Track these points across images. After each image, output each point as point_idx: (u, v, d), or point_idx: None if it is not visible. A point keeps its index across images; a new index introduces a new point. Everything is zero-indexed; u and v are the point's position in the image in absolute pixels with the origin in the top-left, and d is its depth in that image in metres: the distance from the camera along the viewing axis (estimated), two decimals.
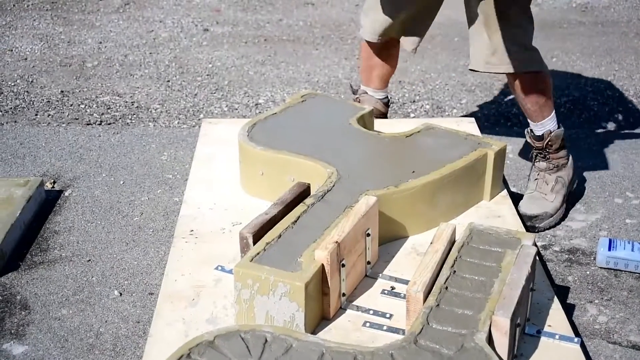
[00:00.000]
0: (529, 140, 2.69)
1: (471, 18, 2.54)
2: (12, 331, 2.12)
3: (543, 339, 1.87)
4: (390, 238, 2.26)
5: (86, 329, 2.13)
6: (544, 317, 1.95)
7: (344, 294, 1.98)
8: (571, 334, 1.89)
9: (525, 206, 2.64)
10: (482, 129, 2.94)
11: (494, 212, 2.43)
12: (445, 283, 1.81)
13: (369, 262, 2.11)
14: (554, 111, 2.64)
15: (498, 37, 2.48)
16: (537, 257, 2.21)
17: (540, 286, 2.07)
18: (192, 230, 2.32)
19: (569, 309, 2.23)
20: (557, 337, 1.87)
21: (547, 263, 2.45)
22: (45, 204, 2.76)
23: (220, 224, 2.36)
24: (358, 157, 2.42)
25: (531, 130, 2.67)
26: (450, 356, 1.59)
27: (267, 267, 1.83)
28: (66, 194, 2.83)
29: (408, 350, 1.60)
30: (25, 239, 2.55)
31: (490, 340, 1.69)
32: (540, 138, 2.64)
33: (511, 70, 2.52)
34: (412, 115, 3.64)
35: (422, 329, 1.67)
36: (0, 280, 2.34)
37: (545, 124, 2.62)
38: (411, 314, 1.80)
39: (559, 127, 2.65)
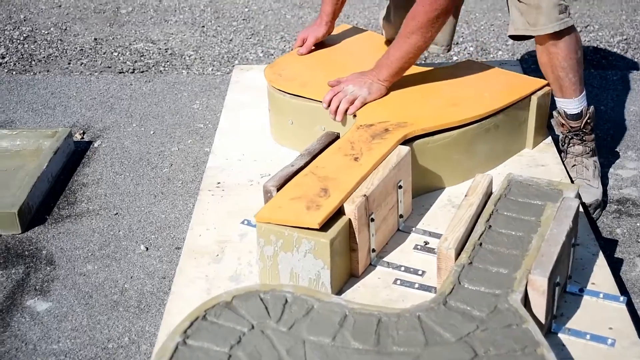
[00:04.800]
0: (560, 122, 2.36)
1: None
2: (37, 287, 2.08)
3: (586, 297, 1.75)
4: (425, 190, 2.15)
5: (111, 285, 2.08)
6: (588, 274, 1.83)
7: (373, 250, 1.88)
8: (616, 292, 1.77)
9: None
10: (528, 73, 2.77)
11: (537, 161, 2.29)
12: (479, 239, 1.70)
13: (401, 216, 2.00)
14: None
15: None
16: (582, 210, 2.09)
17: (585, 240, 1.94)
18: (219, 183, 2.24)
19: (616, 264, 2.10)
20: (601, 295, 1.75)
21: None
22: (74, 155, 2.70)
23: (248, 175, 2.28)
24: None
25: (563, 110, 2.34)
26: (482, 318, 1.49)
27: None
28: (95, 145, 2.77)
29: (437, 312, 1.50)
30: (52, 191, 2.50)
31: (526, 301, 1.58)
32: (579, 116, 2.32)
33: (562, 27, 2.19)
34: (454, 57, 3.47)
35: (452, 288, 1.56)
36: (26, 234, 2.30)
37: (582, 100, 2.32)
38: (442, 272, 1.69)
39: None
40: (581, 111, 2.34)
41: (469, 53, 3.52)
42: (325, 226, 1.74)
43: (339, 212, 1.79)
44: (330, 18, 2.54)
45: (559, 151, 2.39)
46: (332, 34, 2.63)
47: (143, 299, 2.03)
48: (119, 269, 2.14)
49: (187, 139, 2.79)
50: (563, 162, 2.36)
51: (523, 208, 1.80)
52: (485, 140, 2.19)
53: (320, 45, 2.57)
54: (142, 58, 3.54)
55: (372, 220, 1.84)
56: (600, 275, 1.83)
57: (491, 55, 3.49)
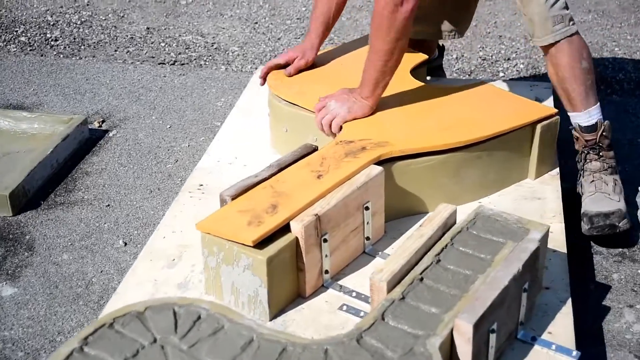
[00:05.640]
0: (575, 136, 2.25)
1: None
2: (10, 272, 2.11)
3: (536, 347, 1.63)
4: (406, 213, 2.05)
5: (79, 278, 2.09)
6: (548, 321, 1.70)
7: (327, 271, 1.81)
8: (572, 345, 1.63)
9: (592, 206, 2.16)
10: None
11: (535, 193, 2.15)
12: (421, 273, 1.60)
13: (368, 238, 1.92)
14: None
15: (531, 4, 2.12)
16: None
17: (558, 285, 1.80)
18: (202, 185, 2.21)
19: (601, 312, 1.95)
20: (553, 347, 1.62)
21: (593, 256, 2.15)
22: (87, 143, 2.73)
23: (234, 180, 2.19)
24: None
25: (578, 124, 2.22)
26: None
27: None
28: (110, 134, 2.80)
29: (346, 348, 1.42)
30: (56, 177, 2.54)
31: (453, 346, 1.47)
32: (593, 128, 2.19)
33: (557, 38, 2.12)
34: (501, 74, 3.33)
35: (372, 324, 1.47)
36: (17, 217, 2.34)
37: (593, 112, 2.20)
38: (375, 304, 1.60)
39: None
40: (595, 123, 2.21)
41: (517, 70, 3.37)
42: (267, 243, 1.68)
43: (287, 230, 1.72)
44: (320, 40, 2.39)
45: (577, 183, 2.25)
46: (350, 43, 2.55)
47: (105, 295, 2.03)
48: (92, 262, 2.15)
49: (200, 136, 2.78)
50: (580, 183, 2.23)
51: (481, 245, 1.68)
52: (476, 166, 2.07)
53: (333, 54, 2.49)
54: (186, 50, 3.55)
55: (325, 240, 1.76)
56: (561, 324, 1.69)
57: (541, 74, 3.32)
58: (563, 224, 2.01)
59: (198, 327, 1.47)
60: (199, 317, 1.50)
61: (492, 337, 1.52)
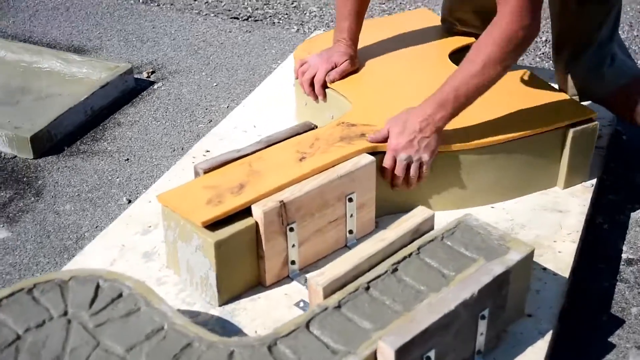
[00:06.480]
0: None
1: None
2: (10, 215, 2.12)
3: None
4: (404, 208, 1.88)
5: (73, 230, 2.07)
6: (516, 354, 1.52)
7: (293, 262, 1.69)
8: None
9: None
10: None
11: (558, 205, 1.93)
12: (370, 282, 1.46)
13: (351, 232, 1.78)
14: None
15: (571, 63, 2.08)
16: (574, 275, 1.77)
17: (543, 313, 1.61)
18: (208, 151, 2.13)
19: (602, 349, 1.73)
20: None
21: (617, 283, 1.92)
22: (130, 93, 2.70)
23: None
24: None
25: None
26: None
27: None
28: (155, 86, 2.76)
29: (253, 353, 1.31)
30: (89, 124, 2.53)
31: None
32: None
33: (594, 98, 2.10)
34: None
35: (292, 331, 1.36)
36: (37, 161, 2.34)
37: None
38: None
39: None
40: None
41: None
42: (223, 225, 1.58)
43: (250, 214, 1.62)
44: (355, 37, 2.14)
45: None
46: (400, 16, 2.38)
47: None
48: (92, 215, 2.12)
49: (243, 98, 2.68)
50: None
51: (451, 258, 1.51)
52: (491, 168, 1.88)
53: (369, 29, 2.29)
54: (264, 6, 3.46)
55: (292, 229, 1.65)
56: (530, 359, 1.51)
57: None
58: (576, 244, 1.79)
59: (114, 306, 1.41)
60: (120, 295, 1.43)
61: None
